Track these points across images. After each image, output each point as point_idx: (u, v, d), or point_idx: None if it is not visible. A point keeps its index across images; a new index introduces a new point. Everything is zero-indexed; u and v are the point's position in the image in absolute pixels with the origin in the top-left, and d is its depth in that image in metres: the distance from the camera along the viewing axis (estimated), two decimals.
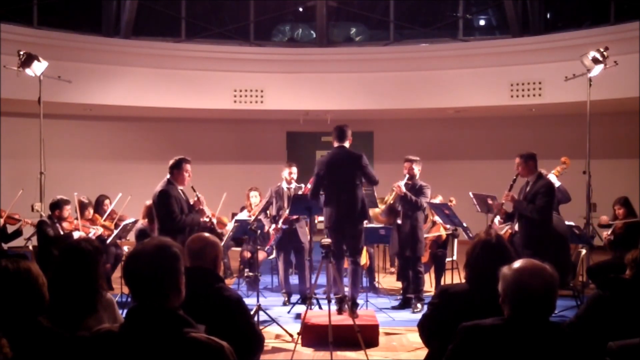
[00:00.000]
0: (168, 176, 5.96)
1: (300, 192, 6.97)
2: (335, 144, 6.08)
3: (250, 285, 7.62)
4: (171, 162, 6.02)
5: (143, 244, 2.17)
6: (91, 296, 2.90)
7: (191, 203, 6.06)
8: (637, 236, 6.93)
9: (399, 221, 6.88)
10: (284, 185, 7.30)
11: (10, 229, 7.72)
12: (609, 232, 7.30)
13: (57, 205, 7.12)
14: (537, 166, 6.21)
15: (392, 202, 6.99)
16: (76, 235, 7.04)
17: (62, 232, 7.05)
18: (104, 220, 7.86)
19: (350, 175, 5.94)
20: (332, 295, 5.32)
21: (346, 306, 5.67)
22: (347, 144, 6.08)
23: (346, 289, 6.01)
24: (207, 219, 6.18)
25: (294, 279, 7.86)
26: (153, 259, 2.09)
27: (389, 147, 12.73)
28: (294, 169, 7.34)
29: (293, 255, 7.52)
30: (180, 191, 5.95)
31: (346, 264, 6.27)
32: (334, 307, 5.49)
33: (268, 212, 7.38)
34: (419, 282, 6.83)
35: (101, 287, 2.99)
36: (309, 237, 6.98)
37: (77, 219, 7.31)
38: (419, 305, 6.71)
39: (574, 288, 6.60)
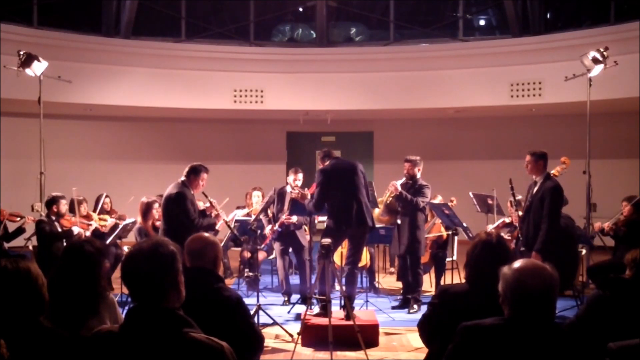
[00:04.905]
0: (183, 178, 5.93)
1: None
2: (329, 161, 6.08)
3: (250, 285, 7.62)
4: (190, 166, 5.99)
5: (139, 244, 2.17)
6: (93, 298, 2.91)
7: (201, 209, 6.09)
8: (639, 234, 6.89)
9: (399, 221, 6.88)
10: (288, 188, 7.28)
11: (12, 227, 7.72)
12: (612, 223, 7.27)
13: (53, 202, 7.13)
14: (547, 166, 6.17)
15: (388, 201, 6.98)
16: (75, 230, 7.08)
17: (60, 229, 7.06)
18: (98, 215, 7.87)
19: (356, 182, 5.95)
20: (332, 296, 5.33)
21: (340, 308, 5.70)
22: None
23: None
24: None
25: (295, 279, 7.87)
26: (149, 258, 2.09)
27: (389, 147, 12.74)
28: (300, 176, 7.24)
29: (293, 255, 7.52)
30: (192, 195, 5.97)
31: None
32: (334, 308, 5.49)
33: (269, 211, 7.37)
34: (417, 282, 6.81)
35: (103, 288, 2.99)
36: (308, 237, 6.98)
37: (74, 216, 7.32)
38: (415, 305, 6.71)
39: (574, 288, 6.60)
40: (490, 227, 7.26)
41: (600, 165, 8.62)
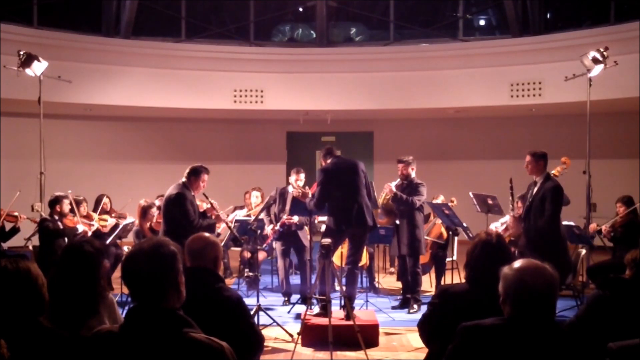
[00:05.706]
0: (183, 180, 5.93)
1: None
2: (330, 159, 6.08)
3: (250, 285, 7.62)
4: (190, 168, 5.99)
5: (140, 244, 2.17)
6: (93, 297, 2.90)
7: (202, 210, 6.09)
8: (636, 235, 6.91)
9: (398, 222, 6.88)
10: (290, 189, 7.28)
11: (9, 226, 7.71)
12: (609, 226, 7.27)
13: (56, 201, 7.14)
14: (547, 166, 6.17)
15: (385, 202, 7.00)
16: (80, 229, 7.10)
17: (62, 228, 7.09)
18: (99, 215, 7.87)
19: (357, 181, 5.95)
20: (332, 296, 5.33)
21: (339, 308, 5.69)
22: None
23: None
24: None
25: (295, 279, 7.86)
26: (150, 258, 2.09)
27: (389, 147, 12.73)
28: (302, 176, 7.23)
29: (294, 255, 7.52)
30: (193, 196, 5.96)
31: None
32: (334, 308, 5.49)
33: (270, 210, 7.36)
34: (416, 282, 6.81)
35: (103, 288, 2.99)
36: (309, 238, 6.98)
37: (74, 215, 7.33)
38: (415, 305, 6.70)
39: (574, 288, 6.59)
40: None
41: (600, 165, 8.63)
